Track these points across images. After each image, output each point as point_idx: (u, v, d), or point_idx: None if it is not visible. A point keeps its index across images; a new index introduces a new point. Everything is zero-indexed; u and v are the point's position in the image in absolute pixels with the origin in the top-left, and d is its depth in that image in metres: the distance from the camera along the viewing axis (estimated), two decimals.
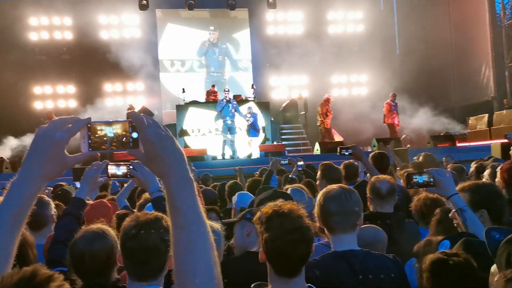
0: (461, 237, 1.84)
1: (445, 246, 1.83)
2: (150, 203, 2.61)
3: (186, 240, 1.02)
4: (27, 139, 15.07)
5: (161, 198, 2.62)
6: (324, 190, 2.29)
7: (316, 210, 2.27)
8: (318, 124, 14.77)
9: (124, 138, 1.08)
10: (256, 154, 13.99)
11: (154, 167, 1.08)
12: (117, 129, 1.09)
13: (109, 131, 1.09)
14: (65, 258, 2.05)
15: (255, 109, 14.38)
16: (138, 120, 1.06)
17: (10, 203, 1.05)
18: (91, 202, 3.81)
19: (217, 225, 2.35)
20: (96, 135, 1.09)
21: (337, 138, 15.03)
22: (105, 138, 1.09)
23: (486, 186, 2.53)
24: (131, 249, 1.80)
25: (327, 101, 14.66)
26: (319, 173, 4.35)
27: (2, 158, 12.74)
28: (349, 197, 2.18)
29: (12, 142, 15.17)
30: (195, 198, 1.05)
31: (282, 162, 6.00)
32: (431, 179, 2.28)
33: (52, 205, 3.29)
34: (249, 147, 14.22)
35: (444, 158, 7.83)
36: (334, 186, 2.29)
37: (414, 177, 2.35)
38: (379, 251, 2.53)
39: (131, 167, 2.37)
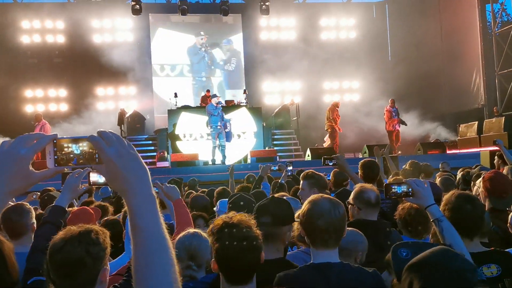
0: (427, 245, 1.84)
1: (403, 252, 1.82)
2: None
3: (144, 257, 1.02)
4: None
5: None
6: (311, 201, 2.24)
7: (299, 220, 2.25)
8: (326, 128, 14.68)
9: (90, 154, 1.11)
10: (247, 160, 14.00)
11: (115, 185, 1.09)
12: (84, 146, 1.11)
13: (75, 148, 1.11)
14: (42, 267, 2.03)
15: (244, 115, 14.46)
16: (97, 139, 1.07)
17: None
18: (75, 208, 3.79)
19: (204, 234, 2.38)
20: (63, 152, 1.10)
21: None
22: (71, 155, 1.11)
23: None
24: (56, 262, 1.80)
25: (335, 106, 14.62)
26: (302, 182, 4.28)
27: None
28: (337, 213, 2.17)
29: None
30: (155, 215, 1.05)
31: (273, 168, 5.98)
32: (410, 189, 2.30)
33: (33, 213, 3.24)
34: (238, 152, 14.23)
35: (440, 165, 7.89)
36: (321, 198, 2.25)
37: (393, 187, 2.36)
38: (360, 252, 2.55)
39: None
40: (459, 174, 5.74)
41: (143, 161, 1.10)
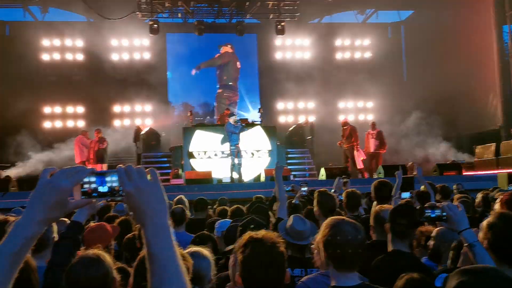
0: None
1: (442, 279, 1.81)
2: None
3: (158, 283, 1.09)
4: (34, 158, 15.23)
5: None
6: (333, 224, 2.21)
7: (320, 244, 2.22)
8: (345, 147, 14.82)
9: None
10: (261, 178, 13.98)
11: (134, 216, 1.16)
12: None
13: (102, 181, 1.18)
14: (61, 283, 2.06)
15: (259, 133, 14.55)
16: (120, 175, 1.15)
17: (11, 244, 1.11)
18: (92, 224, 3.82)
19: (205, 252, 2.45)
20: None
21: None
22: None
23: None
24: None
25: (344, 124, 14.91)
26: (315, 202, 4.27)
27: (9, 177, 12.83)
28: (360, 238, 2.17)
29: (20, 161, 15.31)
30: (169, 244, 1.12)
31: (286, 189, 5.97)
32: (444, 214, 2.29)
33: (55, 227, 3.30)
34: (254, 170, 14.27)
35: (454, 186, 7.81)
36: (343, 221, 2.22)
37: (427, 211, 2.37)
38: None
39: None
40: (479, 196, 5.68)
41: (163, 191, 1.16)
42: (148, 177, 1.16)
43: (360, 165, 14.52)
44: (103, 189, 1.16)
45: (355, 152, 14.54)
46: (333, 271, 2.18)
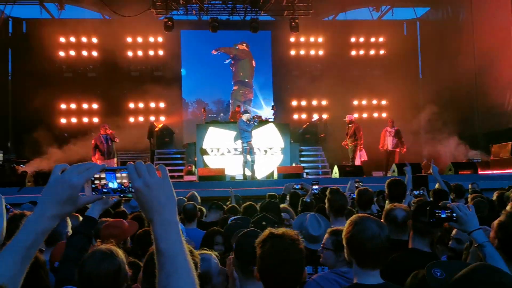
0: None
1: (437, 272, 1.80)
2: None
3: (165, 278, 1.10)
4: (50, 153, 15.42)
5: None
6: (357, 221, 2.22)
7: (344, 240, 2.24)
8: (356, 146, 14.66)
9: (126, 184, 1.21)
10: (274, 176, 13.98)
11: (144, 212, 1.18)
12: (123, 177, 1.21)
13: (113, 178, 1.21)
14: (74, 277, 2.10)
15: (272, 130, 14.50)
16: (130, 170, 1.16)
17: (24, 238, 1.14)
18: (110, 219, 3.87)
19: (214, 253, 2.50)
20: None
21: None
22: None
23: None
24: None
25: (349, 122, 14.68)
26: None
27: (25, 172, 13.02)
28: (384, 236, 2.18)
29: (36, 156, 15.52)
30: (177, 240, 1.13)
31: (295, 186, 6.01)
32: (454, 214, 2.28)
33: (69, 222, 3.36)
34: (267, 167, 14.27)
35: (470, 185, 7.73)
36: (367, 219, 2.23)
37: (437, 211, 2.36)
38: None
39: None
40: (494, 196, 5.63)
41: (172, 187, 1.18)
42: (158, 173, 1.17)
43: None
44: (113, 185, 1.18)
45: (357, 151, 14.37)
46: (356, 268, 2.19)
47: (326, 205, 4.17)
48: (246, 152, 12.90)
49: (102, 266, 2.04)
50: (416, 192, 4.91)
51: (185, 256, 1.13)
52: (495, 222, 2.25)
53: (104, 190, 1.18)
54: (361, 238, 2.15)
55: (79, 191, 1.15)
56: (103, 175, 1.18)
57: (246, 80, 20.02)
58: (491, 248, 2.16)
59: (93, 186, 1.18)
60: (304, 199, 5.46)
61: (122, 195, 1.20)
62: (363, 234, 2.16)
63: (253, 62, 20.07)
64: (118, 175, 1.18)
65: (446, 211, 2.32)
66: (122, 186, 1.18)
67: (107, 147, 13.56)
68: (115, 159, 13.81)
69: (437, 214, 2.34)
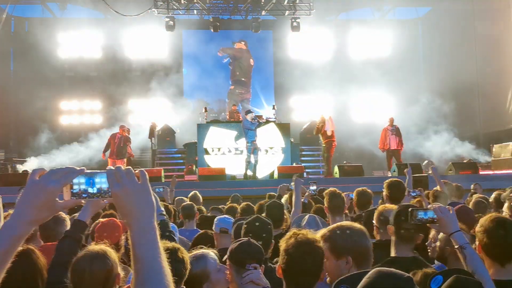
0: (457, 273, 1.82)
1: (438, 281, 1.81)
2: None
3: (141, 283, 1.10)
4: (52, 152, 15.46)
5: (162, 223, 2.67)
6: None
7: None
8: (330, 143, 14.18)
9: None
10: (275, 175, 13.97)
11: (122, 217, 1.18)
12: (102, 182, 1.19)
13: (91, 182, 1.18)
14: (64, 281, 2.11)
15: (273, 130, 14.47)
16: (109, 176, 1.15)
17: (0, 243, 1.12)
18: (102, 220, 3.87)
19: (212, 252, 2.49)
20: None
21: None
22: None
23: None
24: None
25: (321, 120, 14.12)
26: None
27: (26, 171, 13.07)
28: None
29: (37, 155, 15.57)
30: (154, 246, 1.13)
31: (290, 187, 5.96)
32: (435, 216, 2.28)
33: (68, 222, 3.36)
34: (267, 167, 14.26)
35: (472, 186, 7.70)
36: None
37: (419, 213, 2.36)
38: None
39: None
40: (491, 198, 5.59)
41: (151, 193, 1.17)
42: (138, 178, 1.17)
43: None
44: (92, 190, 1.16)
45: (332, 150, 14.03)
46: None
47: (325, 206, 4.18)
48: (250, 151, 12.88)
49: (94, 266, 2.05)
50: (413, 194, 4.89)
51: (161, 261, 1.12)
52: (478, 227, 2.29)
53: (83, 195, 1.17)
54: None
55: (56, 196, 1.14)
56: (82, 180, 1.16)
57: (243, 79, 20.00)
58: (471, 250, 2.19)
59: (72, 191, 1.16)
60: (302, 200, 5.44)
61: (102, 200, 1.19)
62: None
63: (251, 60, 20.03)
64: (97, 179, 1.17)
65: (429, 213, 2.32)
66: (101, 191, 1.17)
67: (118, 147, 13.50)
68: (125, 160, 13.72)
69: (419, 216, 2.34)
